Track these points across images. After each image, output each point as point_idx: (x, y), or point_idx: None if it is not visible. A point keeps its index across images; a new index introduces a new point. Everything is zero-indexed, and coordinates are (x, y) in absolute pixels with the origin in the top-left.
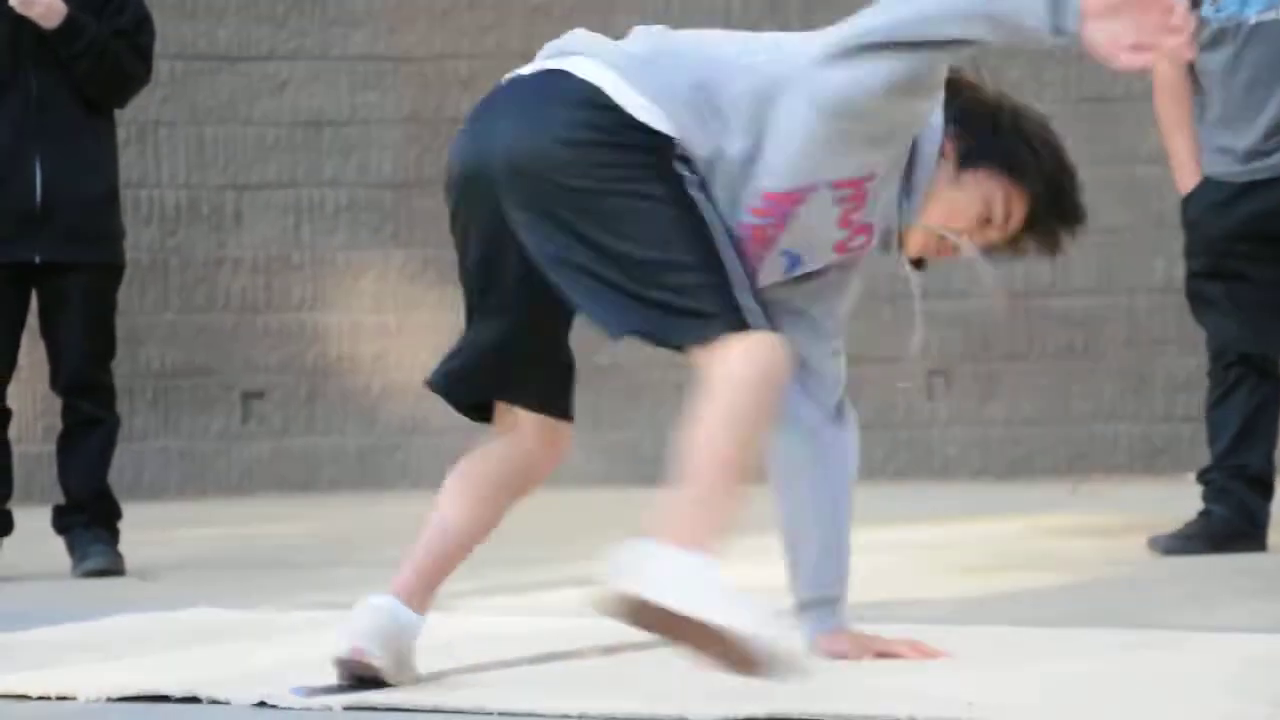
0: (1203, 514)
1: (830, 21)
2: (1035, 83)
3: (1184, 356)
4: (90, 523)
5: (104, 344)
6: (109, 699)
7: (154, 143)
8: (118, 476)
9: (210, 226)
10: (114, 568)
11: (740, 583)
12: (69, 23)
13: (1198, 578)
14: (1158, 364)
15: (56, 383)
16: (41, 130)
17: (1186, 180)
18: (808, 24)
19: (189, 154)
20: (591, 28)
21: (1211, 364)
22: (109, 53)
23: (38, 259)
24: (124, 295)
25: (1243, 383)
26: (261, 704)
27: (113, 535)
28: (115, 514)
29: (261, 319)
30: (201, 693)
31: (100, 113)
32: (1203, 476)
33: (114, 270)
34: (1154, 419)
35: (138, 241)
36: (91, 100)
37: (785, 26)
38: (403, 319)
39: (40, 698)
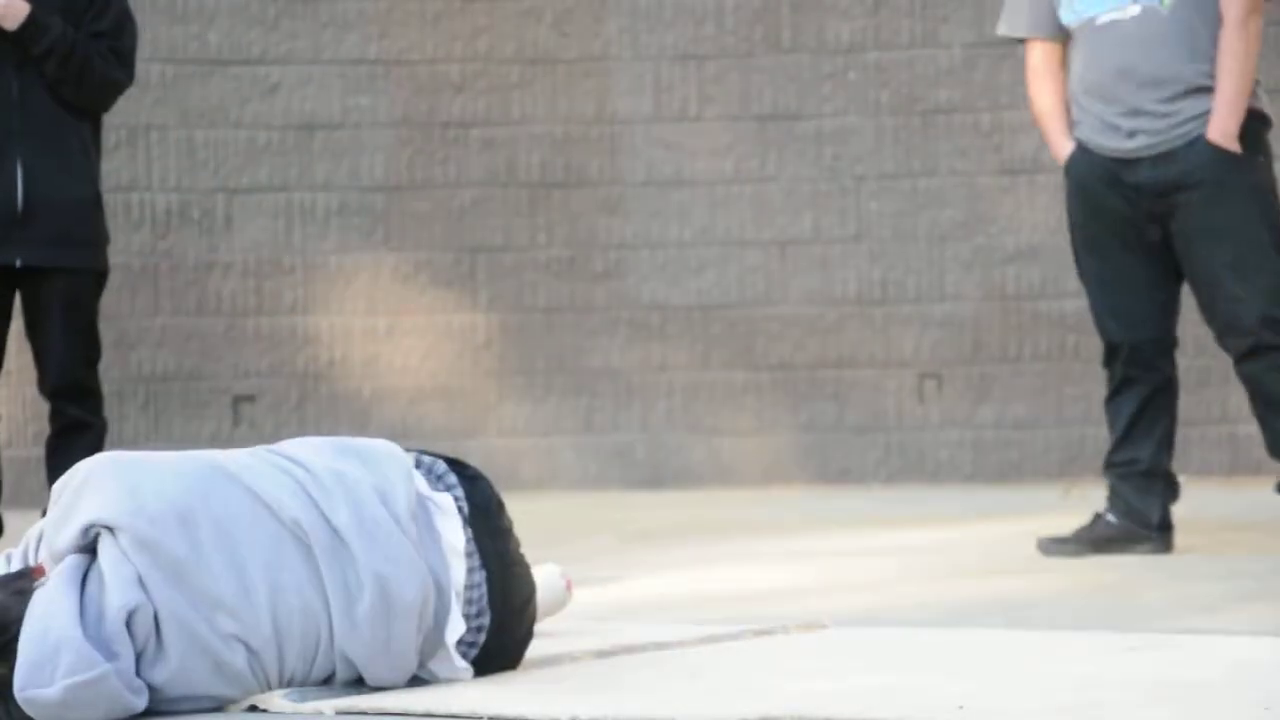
0: (1094, 517)
1: (819, 25)
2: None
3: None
4: None
5: (89, 348)
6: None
7: (144, 146)
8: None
9: (201, 230)
10: None
11: (731, 586)
12: (30, 23)
13: (1192, 581)
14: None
15: (43, 386)
16: (23, 132)
17: (1061, 147)
18: (798, 25)
19: (180, 157)
20: (582, 31)
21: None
22: (75, 55)
23: (19, 263)
24: (114, 299)
25: (1130, 377)
26: (253, 709)
27: None
28: None
29: (252, 322)
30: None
31: (83, 116)
32: (1105, 475)
33: (97, 275)
34: None
35: (128, 245)
36: (69, 103)
37: (776, 29)
38: (394, 323)
39: None
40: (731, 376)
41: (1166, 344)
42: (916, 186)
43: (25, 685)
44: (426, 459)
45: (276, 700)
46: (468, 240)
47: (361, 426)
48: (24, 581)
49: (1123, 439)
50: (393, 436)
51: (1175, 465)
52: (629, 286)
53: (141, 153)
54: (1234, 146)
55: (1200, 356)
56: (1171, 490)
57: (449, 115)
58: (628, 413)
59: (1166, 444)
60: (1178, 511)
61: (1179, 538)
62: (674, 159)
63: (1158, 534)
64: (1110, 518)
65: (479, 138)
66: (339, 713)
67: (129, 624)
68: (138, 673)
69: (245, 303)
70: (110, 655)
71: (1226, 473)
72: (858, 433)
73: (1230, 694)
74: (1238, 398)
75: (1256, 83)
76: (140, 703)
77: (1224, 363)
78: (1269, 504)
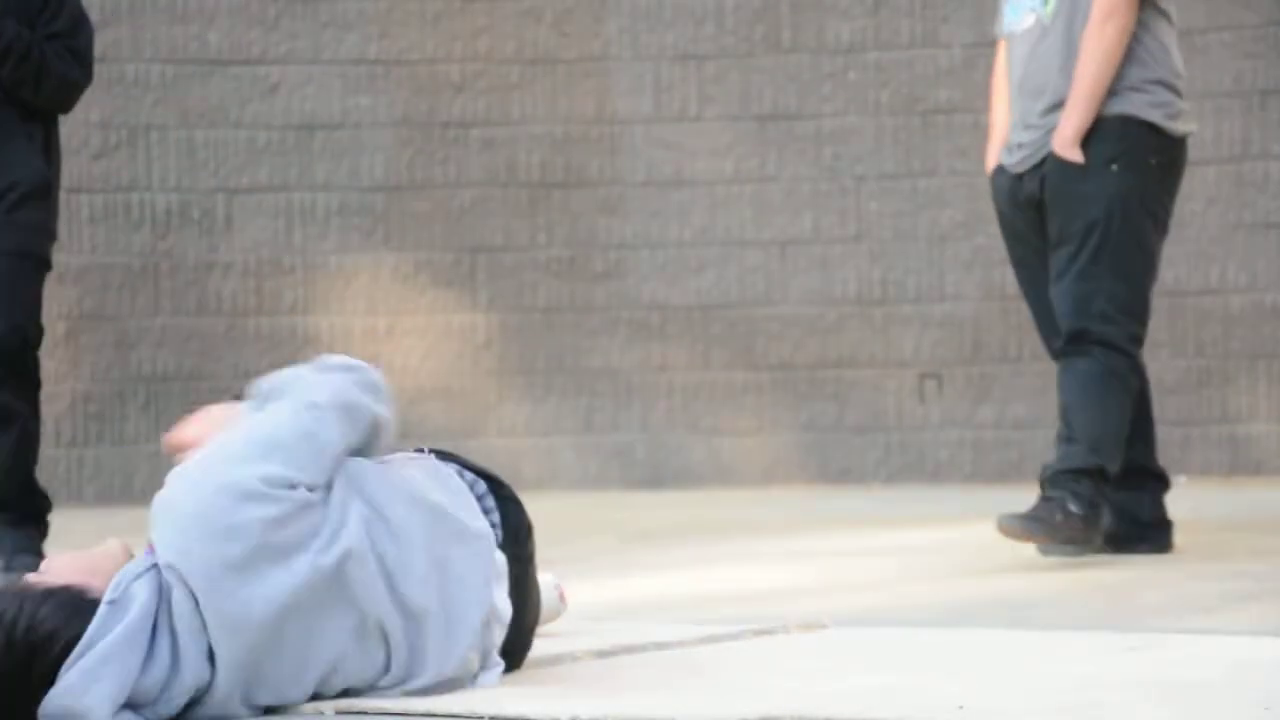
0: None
1: (819, 25)
2: None
3: (1174, 359)
4: (15, 523)
5: (27, 331)
6: None
7: (145, 146)
8: (110, 480)
9: (201, 230)
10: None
11: (731, 586)
12: None
13: (1192, 581)
14: (1148, 367)
15: None
16: None
17: (987, 166)
18: (798, 25)
19: (180, 157)
20: (582, 31)
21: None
22: (31, 56)
23: None
24: (115, 299)
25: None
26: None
27: (41, 534)
28: (43, 507)
29: (253, 323)
30: None
31: (38, 119)
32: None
33: (40, 263)
34: None
35: (128, 245)
36: (26, 105)
37: (776, 29)
38: (394, 323)
39: None
40: (731, 376)
41: None
42: (916, 186)
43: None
44: (469, 475)
45: None
46: (468, 240)
47: None
48: (74, 594)
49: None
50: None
51: (1175, 465)
52: (629, 286)
53: (141, 153)
54: (1072, 155)
55: (1200, 357)
56: (1163, 485)
57: (449, 115)
58: (628, 413)
59: (1146, 441)
60: (1178, 511)
61: (1180, 537)
62: (674, 159)
63: (1155, 531)
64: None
65: (479, 138)
66: (339, 713)
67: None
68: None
69: (245, 303)
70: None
71: (1226, 473)
72: (858, 433)
73: (1230, 694)
74: (1238, 398)
75: (1161, 84)
76: None
77: (1224, 363)
78: (1269, 504)
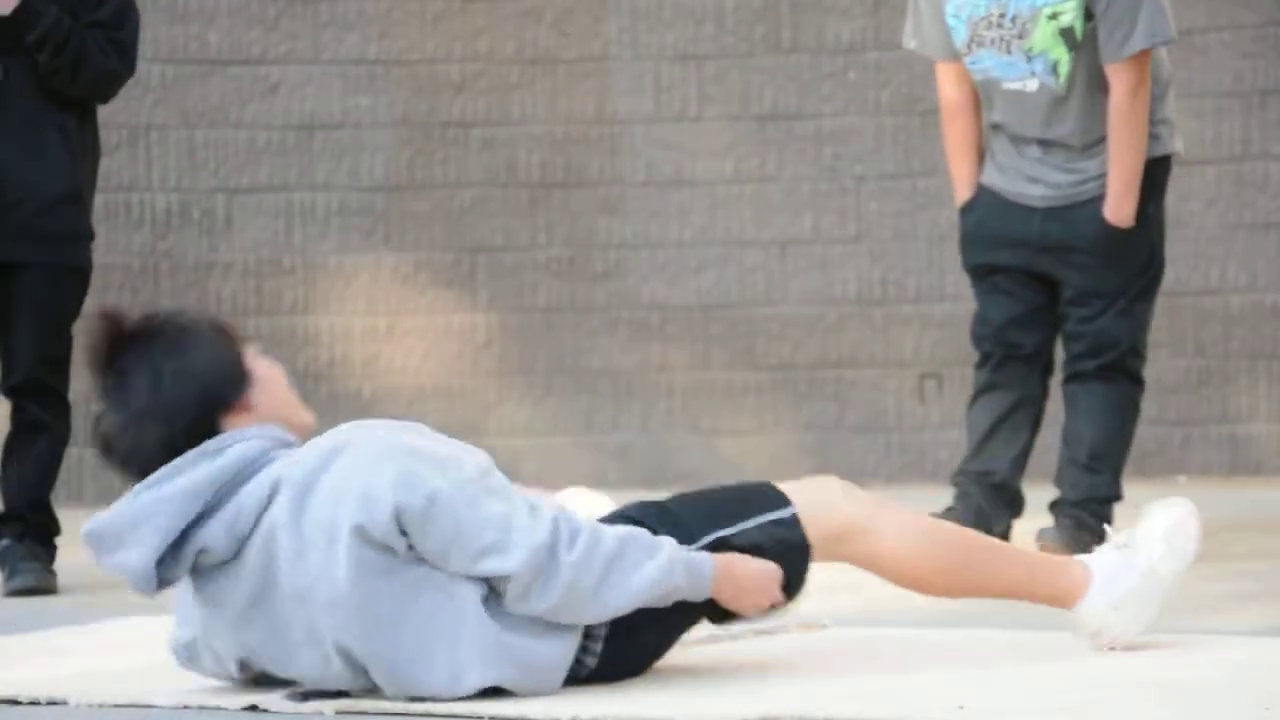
0: (946, 510)
1: (819, 25)
2: None
3: (1174, 359)
4: (24, 536)
5: (57, 347)
6: (100, 705)
7: (145, 146)
8: (110, 480)
9: (201, 230)
10: (44, 586)
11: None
12: (24, 9)
13: (1192, 581)
14: (1148, 367)
15: (5, 383)
16: (2, 122)
17: (962, 192)
18: (798, 25)
19: (180, 157)
20: (582, 31)
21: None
22: (70, 44)
23: None
24: (114, 299)
25: (997, 386)
26: (253, 709)
27: (48, 552)
28: (53, 529)
29: (253, 323)
30: (192, 701)
31: (72, 109)
32: (954, 478)
33: (73, 272)
34: (1145, 421)
35: (128, 245)
36: (62, 95)
37: (776, 29)
38: (394, 323)
39: (31, 703)
40: (731, 376)
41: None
42: (916, 186)
43: None
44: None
45: (277, 700)
46: (468, 240)
47: None
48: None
49: (980, 447)
50: None
51: (1175, 465)
52: (629, 286)
53: (141, 153)
54: (1128, 225)
55: (1200, 357)
56: (1017, 504)
57: (449, 115)
58: (628, 413)
59: (1021, 461)
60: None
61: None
62: (674, 159)
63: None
64: (957, 516)
65: (479, 138)
66: (339, 713)
67: None
68: None
69: (245, 303)
70: None
71: (1226, 473)
72: (858, 433)
73: (1230, 694)
74: (1238, 398)
75: (1163, 122)
76: None
77: (1224, 363)
78: (1269, 504)
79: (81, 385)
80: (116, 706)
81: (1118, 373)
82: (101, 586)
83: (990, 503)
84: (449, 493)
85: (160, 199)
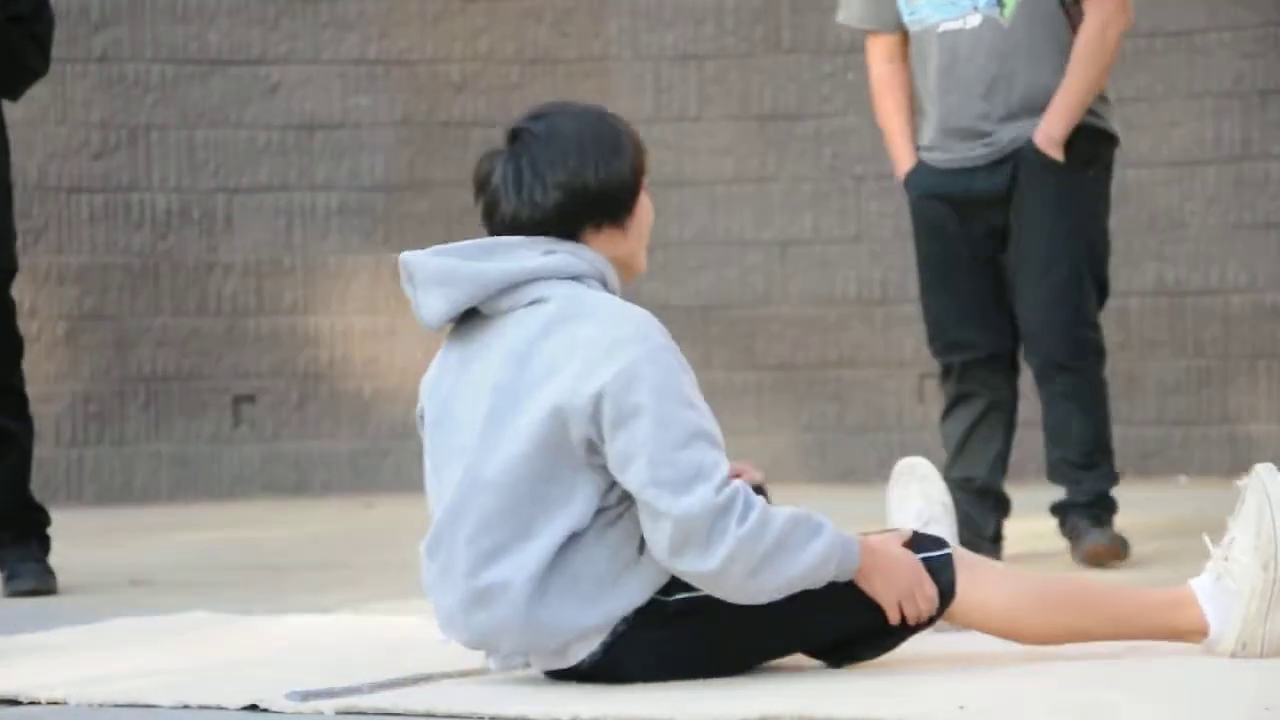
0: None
1: (819, 25)
2: None
3: (1175, 359)
4: (19, 538)
5: (4, 347)
6: (99, 705)
7: (145, 146)
8: (110, 480)
9: (201, 230)
10: (44, 587)
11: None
12: None
13: (1188, 580)
14: (1149, 367)
15: None
16: None
17: (902, 163)
18: (798, 25)
19: (180, 158)
20: (582, 31)
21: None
22: (1, 40)
23: None
24: (114, 299)
25: (967, 395)
26: (253, 708)
27: (43, 548)
28: (44, 524)
29: (253, 323)
30: (192, 700)
31: None
32: None
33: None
34: (1145, 422)
35: (128, 245)
36: None
37: (776, 29)
38: (394, 322)
39: (31, 703)
40: (731, 376)
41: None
42: None
43: None
44: None
45: (277, 700)
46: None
47: (361, 426)
48: None
49: (957, 455)
50: (393, 437)
51: (1175, 465)
52: (629, 286)
53: (141, 153)
54: (1055, 153)
55: (1200, 357)
56: (1003, 505)
57: (449, 115)
58: None
59: (1001, 463)
60: (1184, 511)
61: (1180, 539)
62: (674, 159)
63: (989, 545)
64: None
65: (479, 138)
66: (339, 713)
67: None
68: None
69: (245, 303)
70: None
71: (1226, 473)
72: (858, 433)
73: (1230, 694)
74: (1238, 398)
75: (1105, 100)
76: None
77: (1224, 363)
78: None
79: (77, 387)
80: (116, 706)
81: (1082, 357)
82: (102, 586)
83: (976, 508)
84: (660, 413)
85: (160, 199)
